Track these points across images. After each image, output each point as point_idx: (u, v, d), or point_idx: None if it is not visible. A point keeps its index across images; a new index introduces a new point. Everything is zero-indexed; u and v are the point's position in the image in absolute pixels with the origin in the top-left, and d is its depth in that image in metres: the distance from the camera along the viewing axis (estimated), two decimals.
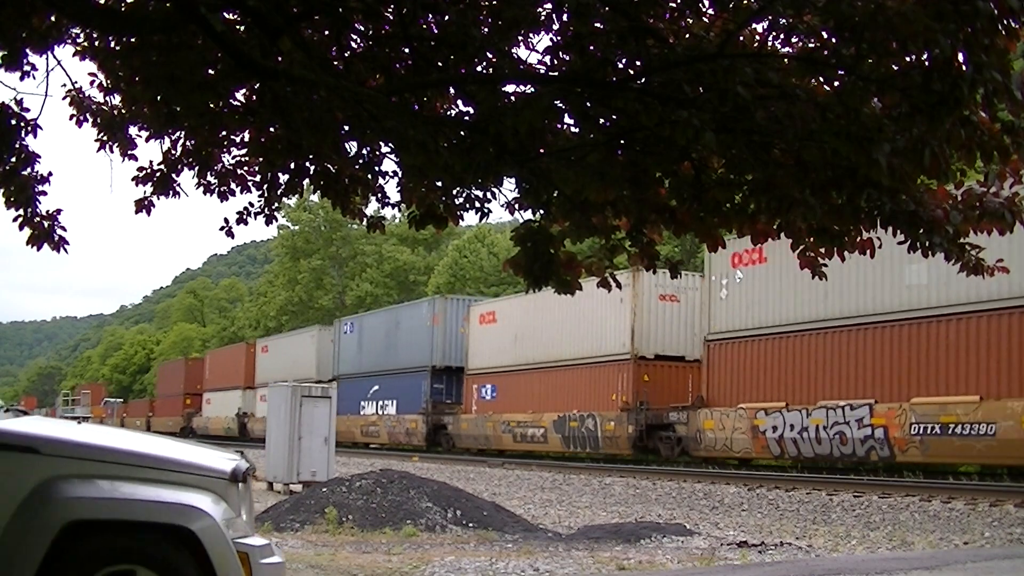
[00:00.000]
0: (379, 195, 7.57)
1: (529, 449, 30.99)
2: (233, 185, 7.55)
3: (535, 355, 30.28)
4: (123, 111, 7.31)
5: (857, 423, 19.71)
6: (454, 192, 7.03)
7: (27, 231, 7.12)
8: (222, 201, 7.52)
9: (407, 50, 6.35)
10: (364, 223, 8.09)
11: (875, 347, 19.61)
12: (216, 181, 7.52)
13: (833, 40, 5.11)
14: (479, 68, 6.14)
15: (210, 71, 6.47)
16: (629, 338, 26.04)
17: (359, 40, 6.74)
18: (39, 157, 7.05)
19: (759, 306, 22.39)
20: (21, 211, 7.08)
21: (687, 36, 5.75)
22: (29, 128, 6.95)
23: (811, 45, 5.40)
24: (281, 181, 7.49)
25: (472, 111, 6.46)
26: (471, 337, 33.99)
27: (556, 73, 5.86)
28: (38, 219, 7.12)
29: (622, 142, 6.21)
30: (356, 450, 38.57)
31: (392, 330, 39.38)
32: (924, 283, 18.66)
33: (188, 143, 7.31)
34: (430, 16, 6.11)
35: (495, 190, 6.88)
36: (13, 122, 6.87)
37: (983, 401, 17.43)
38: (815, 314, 20.92)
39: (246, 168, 7.54)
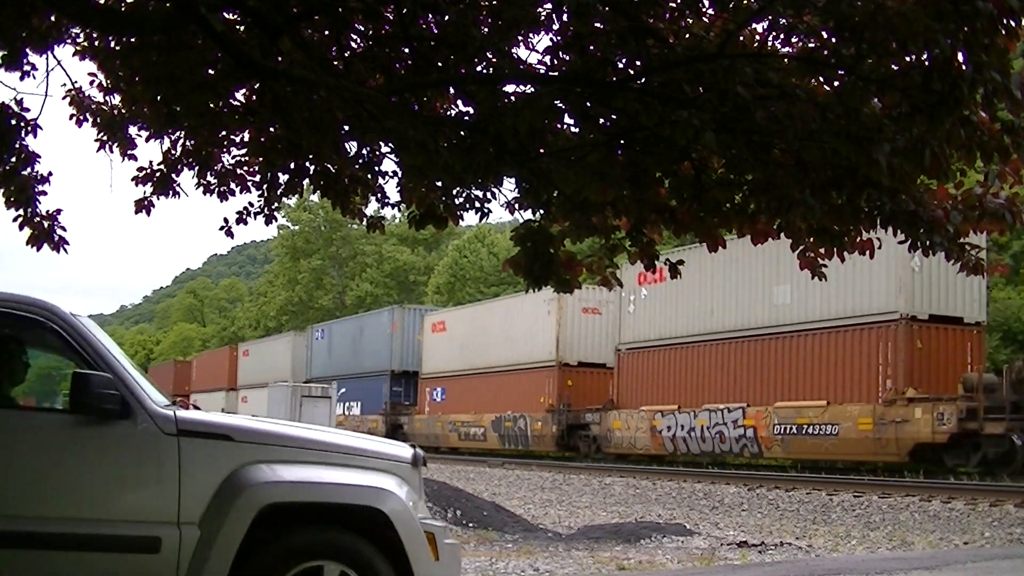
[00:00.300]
0: (379, 195, 7.57)
1: (471, 446, 33.60)
2: (233, 185, 7.55)
3: (478, 361, 33.05)
4: (123, 111, 7.30)
5: (733, 424, 23.08)
6: (454, 192, 7.03)
7: (27, 231, 7.12)
8: (222, 201, 7.52)
9: (407, 50, 6.35)
10: (364, 223, 8.08)
11: (749, 357, 22.99)
12: (216, 181, 7.52)
13: (833, 40, 5.11)
14: (479, 68, 6.14)
15: (210, 71, 6.47)
16: (555, 347, 29.03)
17: (359, 40, 6.74)
18: (39, 157, 7.05)
19: (659, 320, 25.76)
20: (21, 211, 7.08)
21: (687, 36, 5.75)
22: (29, 128, 6.95)
23: (811, 45, 5.40)
24: (281, 181, 7.48)
25: (472, 111, 6.46)
26: (424, 344, 36.85)
27: (556, 73, 5.86)
28: (38, 219, 7.12)
29: (622, 142, 6.20)
30: None
31: (357, 337, 41.94)
32: (788, 302, 21.74)
33: (188, 143, 7.31)
34: (430, 16, 6.11)
35: (495, 190, 6.88)
36: (13, 122, 6.87)
37: (829, 406, 20.83)
38: (703, 328, 24.38)
39: (246, 168, 7.54)
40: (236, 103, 6.92)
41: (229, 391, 53.49)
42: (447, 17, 5.96)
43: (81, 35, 6.83)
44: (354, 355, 41.45)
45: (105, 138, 7.43)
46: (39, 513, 4.39)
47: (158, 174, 7.36)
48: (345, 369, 41.90)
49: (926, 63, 4.87)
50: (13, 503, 4.37)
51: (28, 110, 6.94)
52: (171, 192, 7.43)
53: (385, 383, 38.90)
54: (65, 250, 7.23)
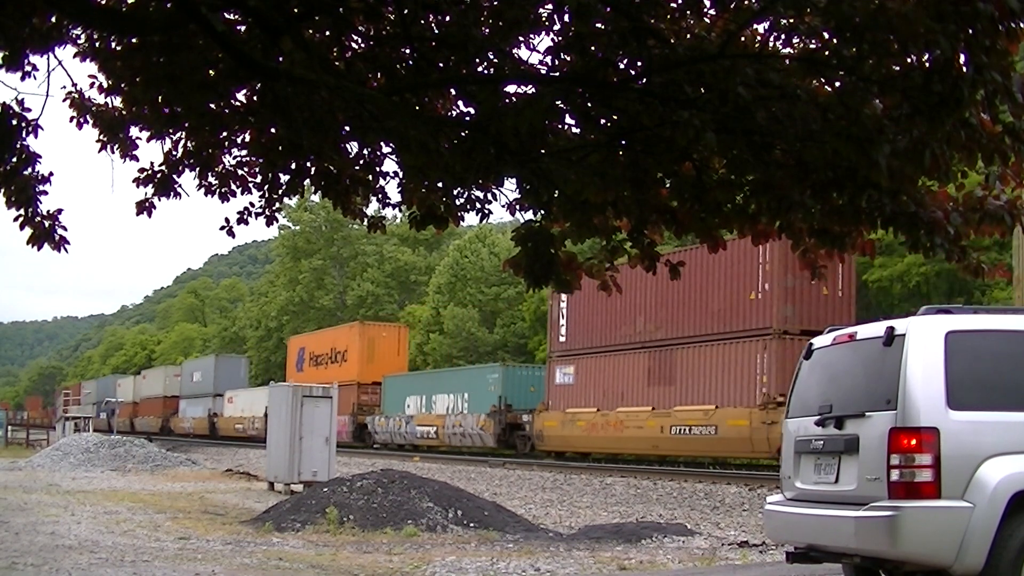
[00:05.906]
0: (380, 195, 7.57)
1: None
2: (234, 186, 7.54)
3: None
4: (124, 112, 7.30)
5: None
6: (455, 193, 7.03)
7: (28, 231, 7.11)
8: (223, 202, 7.50)
9: (408, 50, 6.35)
10: (365, 223, 8.08)
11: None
12: (217, 182, 7.51)
13: (834, 41, 5.11)
14: (480, 68, 6.14)
15: (211, 71, 6.46)
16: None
17: (360, 40, 6.74)
18: (40, 157, 7.03)
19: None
20: (22, 211, 7.07)
21: (688, 36, 5.74)
22: (30, 128, 6.93)
23: (812, 46, 5.40)
24: (282, 181, 7.48)
25: (473, 111, 6.46)
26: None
27: (557, 73, 5.86)
28: (39, 219, 7.11)
29: (623, 142, 6.20)
30: (357, 450, 38.86)
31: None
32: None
33: (189, 144, 7.30)
34: (431, 16, 6.11)
35: (496, 191, 6.88)
36: (14, 122, 6.86)
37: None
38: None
39: (247, 169, 7.53)
40: (237, 104, 6.92)
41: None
42: (448, 17, 5.96)
43: (82, 36, 6.82)
44: None
45: (106, 139, 7.42)
46: None
47: (159, 175, 7.36)
48: None
49: (927, 64, 4.87)
50: None
51: (29, 110, 6.92)
52: (172, 193, 7.42)
53: None
54: (66, 249, 7.21)
